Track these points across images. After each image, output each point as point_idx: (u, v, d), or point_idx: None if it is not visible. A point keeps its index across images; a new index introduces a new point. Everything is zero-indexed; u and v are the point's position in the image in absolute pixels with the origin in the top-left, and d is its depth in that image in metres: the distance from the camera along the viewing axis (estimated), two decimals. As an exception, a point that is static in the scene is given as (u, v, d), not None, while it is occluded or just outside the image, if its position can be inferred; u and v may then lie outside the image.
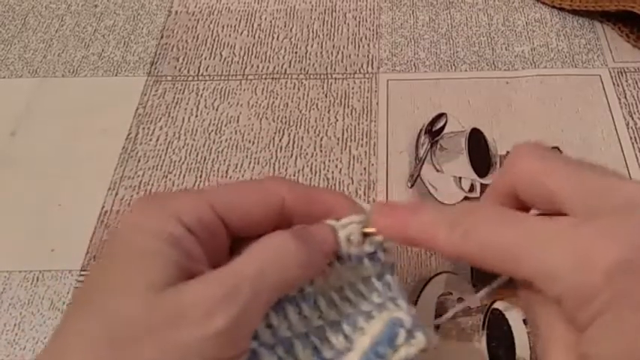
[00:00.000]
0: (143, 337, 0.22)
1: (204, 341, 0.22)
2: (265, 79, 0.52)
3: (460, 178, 0.45)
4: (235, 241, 0.28)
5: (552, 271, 0.23)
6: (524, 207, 0.27)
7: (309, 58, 0.54)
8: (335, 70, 0.53)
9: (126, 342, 0.22)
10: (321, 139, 0.48)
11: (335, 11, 0.58)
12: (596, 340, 0.22)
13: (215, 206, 0.27)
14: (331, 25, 0.56)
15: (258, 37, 0.56)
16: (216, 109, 0.50)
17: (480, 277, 0.39)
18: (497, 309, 0.38)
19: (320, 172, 0.46)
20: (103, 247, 0.43)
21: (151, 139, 0.49)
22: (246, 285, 0.23)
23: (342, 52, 0.54)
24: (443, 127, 0.48)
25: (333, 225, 0.28)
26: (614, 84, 0.50)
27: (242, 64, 0.54)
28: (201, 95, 0.52)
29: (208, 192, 0.28)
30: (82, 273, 0.42)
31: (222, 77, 0.53)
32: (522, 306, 0.26)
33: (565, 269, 0.23)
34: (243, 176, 0.46)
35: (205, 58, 0.54)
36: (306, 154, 0.47)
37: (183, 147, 0.48)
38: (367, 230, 0.28)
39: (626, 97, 0.49)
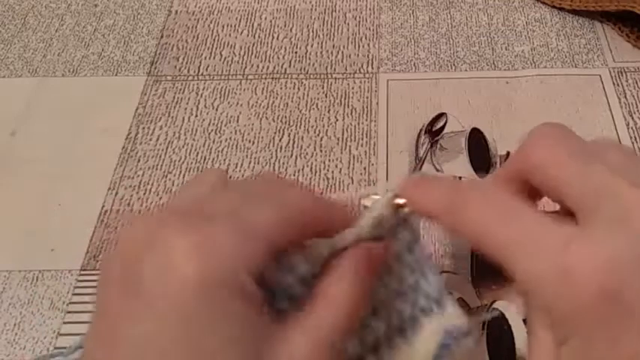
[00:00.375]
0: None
1: (182, 290, 0.21)
2: (265, 78, 0.52)
3: (460, 177, 0.45)
4: None
5: (539, 281, 0.23)
6: (534, 191, 0.27)
7: (309, 58, 0.54)
8: (335, 70, 0.53)
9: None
10: (321, 139, 0.48)
11: (335, 11, 0.58)
12: (571, 355, 0.22)
13: (270, 249, 0.24)
14: (331, 25, 0.56)
15: (258, 36, 0.56)
16: (216, 109, 0.50)
17: (480, 277, 0.39)
18: (497, 309, 0.38)
19: (320, 172, 0.46)
20: (112, 248, 0.43)
21: (150, 139, 0.49)
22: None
23: (342, 52, 0.54)
24: (443, 127, 0.48)
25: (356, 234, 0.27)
26: (614, 84, 0.50)
27: (242, 63, 0.54)
28: (201, 95, 0.52)
29: (264, 228, 0.24)
30: (82, 273, 0.42)
31: (222, 77, 0.53)
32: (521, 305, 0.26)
33: (551, 284, 0.22)
34: (243, 176, 0.46)
35: (205, 58, 0.54)
36: (306, 154, 0.47)
37: (183, 147, 0.48)
38: (398, 201, 0.27)
39: (626, 97, 0.49)
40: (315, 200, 0.27)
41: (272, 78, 0.52)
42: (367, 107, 0.50)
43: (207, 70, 0.53)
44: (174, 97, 0.51)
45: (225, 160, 0.47)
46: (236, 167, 0.47)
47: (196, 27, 0.57)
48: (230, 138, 0.48)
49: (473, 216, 0.25)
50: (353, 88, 0.51)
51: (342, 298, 0.24)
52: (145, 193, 0.45)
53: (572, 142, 0.26)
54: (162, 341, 0.21)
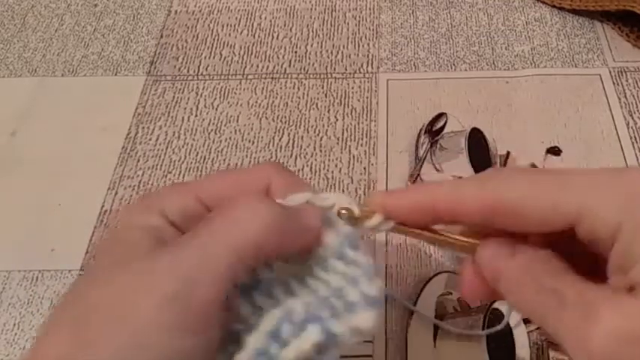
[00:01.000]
0: (100, 314, 0.22)
1: (155, 306, 0.22)
2: (265, 78, 0.52)
3: (460, 177, 0.45)
4: None
5: (608, 204, 0.22)
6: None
7: (309, 58, 0.54)
8: (335, 69, 0.53)
9: (83, 321, 0.22)
10: (321, 139, 0.48)
11: (335, 11, 0.58)
12: None
13: (200, 196, 0.27)
14: (331, 25, 0.56)
15: (258, 36, 0.56)
16: (216, 109, 0.50)
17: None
18: (497, 309, 0.38)
19: (320, 171, 0.46)
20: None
21: (150, 139, 0.49)
22: (199, 248, 0.23)
23: (342, 52, 0.54)
24: (443, 127, 0.48)
25: (308, 199, 0.26)
26: (614, 83, 0.50)
27: (242, 63, 0.54)
28: (201, 95, 0.51)
29: (193, 183, 0.28)
30: (82, 273, 0.42)
31: (222, 77, 0.53)
32: (529, 308, 0.24)
33: (621, 202, 0.22)
34: (243, 176, 0.46)
35: (205, 58, 0.54)
36: (306, 153, 0.47)
37: (183, 146, 0.48)
38: (367, 210, 0.26)
39: (626, 97, 0.49)
40: (278, 172, 0.28)
41: (272, 78, 0.52)
42: (367, 107, 0.50)
43: (207, 69, 0.53)
44: (174, 97, 0.51)
45: (225, 160, 0.47)
46: (236, 167, 0.47)
47: (196, 27, 0.57)
48: (230, 138, 0.48)
49: (507, 179, 0.25)
50: (353, 88, 0.51)
51: (224, 212, 0.24)
52: (145, 192, 0.45)
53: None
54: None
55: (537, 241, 0.26)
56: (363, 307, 0.24)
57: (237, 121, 0.50)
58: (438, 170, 0.45)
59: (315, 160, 0.47)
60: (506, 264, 0.25)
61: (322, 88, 0.51)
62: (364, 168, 0.46)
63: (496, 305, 0.38)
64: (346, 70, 0.53)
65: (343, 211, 0.26)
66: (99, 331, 0.22)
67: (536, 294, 0.24)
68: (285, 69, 0.53)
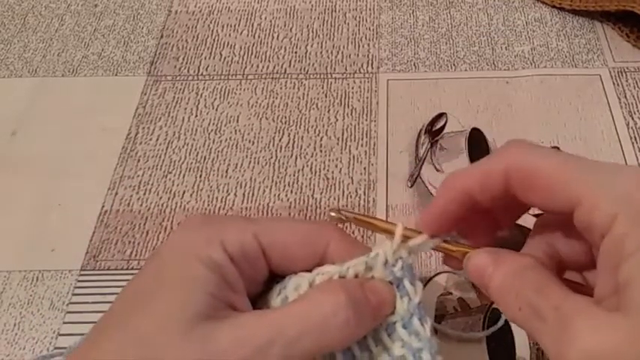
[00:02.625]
0: None
1: None
2: (265, 78, 0.52)
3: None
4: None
5: (611, 190, 0.23)
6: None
7: (309, 58, 0.54)
8: (335, 69, 0.53)
9: None
10: (321, 139, 0.48)
11: (335, 11, 0.58)
12: None
13: (260, 237, 0.27)
14: (331, 25, 0.56)
15: (258, 36, 0.56)
16: (216, 109, 0.50)
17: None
18: (497, 309, 0.38)
19: (320, 171, 0.46)
20: (111, 248, 0.43)
21: (150, 139, 0.49)
22: (280, 343, 0.23)
23: (342, 52, 0.54)
24: (443, 127, 0.48)
25: (365, 261, 0.27)
26: (614, 84, 0.50)
27: (242, 63, 0.54)
28: (201, 95, 0.52)
29: (256, 223, 0.28)
30: (82, 273, 0.42)
31: (222, 77, 0.53)
32: (512, 307, 0.25)
33: (625, 190, 0.23)
34: (242, 176, 0.46)
35: (205, 58, 0.54)
36: (306, 153, 0.47)
37: (183, 147, 0.48)
38: (409, 234, 0.27)
39: (626, 97, 0.49)
40: (340, 236, 0.28)
41: (272, 78, 0.52)
42: (367, 107, 0.50)
43: (207, 70, 0.53)
44: (174, 97, 0.51)
45: (225, 160, 0.47)
46: (236, 167, 0.47)
47: (196, 27, 0.57)
48: (230, 138, 0.48)
49: (520, 150, 0.26)
50: (353, 88, 0.51)
51: (308, 311, 0.25)
52: (145, 193, 0.45)
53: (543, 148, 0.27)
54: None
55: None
56: None
57: (238, 121, 0.50)
58: (438, 170, 0.45)
59: (315, 160, 0.47)
60: (491, 275, 0.26)
61: (322, 88, 0.51)
62: (364, 168, 0.46)
63: (496, 305, 0.38)
64: (346, 70, 0.53)
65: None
66: None
67: (519, 306, 0.24)
68: (285, 69, 0.53)
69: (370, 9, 0.57)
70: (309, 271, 0.27)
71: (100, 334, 0.24)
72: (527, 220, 0.31)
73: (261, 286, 0.28)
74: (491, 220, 0.29)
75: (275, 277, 0.28)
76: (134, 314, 0.24)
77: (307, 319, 0.24)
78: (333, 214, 0.29)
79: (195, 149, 0.48)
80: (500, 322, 0.37)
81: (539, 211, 0.27)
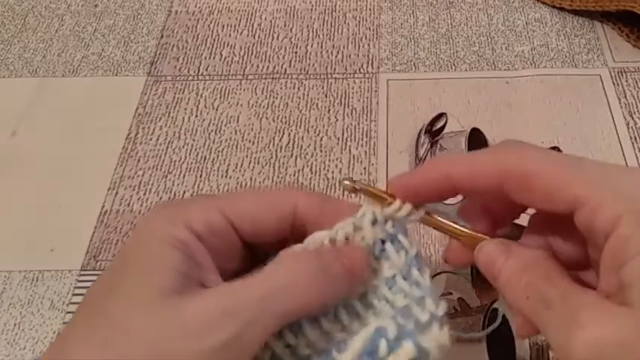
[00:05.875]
0: (138, 343, 0.22)
1: (198, 356, 0.22)
2: (265, 78, 0.52)
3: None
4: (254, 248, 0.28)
5: (614, 191, 0.23)
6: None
7: (309, 58, 0.54)
8: (335, 70, 0.53)
9: (119, 346, 0.22)
10: (321, 139, 0.48)
11: (335, 11, 0.58)
12: None
13: (225, 211, 0.27)
14: (331, 25, 0.56)
15: (258, 36, 0.56)
16: (216, 109, 0.50)
17: (480, 277, 0.39)
18: (497, 309, 0.38)
19: (320, 172, 0.46)
20: (111, 247, 0.43)
21: (150, 139, 0.49)
22: (247, 307, 0.23)
23: (342, 52, 0.54)
24: (443, 127, 0.48)
25: (353, 222, 0.27)
26: (614, 84, 0.50)
27: (242, 63, 0.54)
28: (201, 95, 0.52)
29: (219, 198, 0.28)
30: (82, 273, 0.42)
31: (222, 77, 0.53)
32: (520, 295, 0.25)
33: (628, 190, 0.23)
34: (243, 176, 0.46)
35: (205, 58, 0.54)
36: (306, 154, 0.47)
37: (183, 147, 0.48)
38: (387, 199, 0.27)
39: (626, 97, 0.49)
40: (306, 195, 0.28)
41: (272, 78, 0.52)
42: (367, 107, 0.50)
43: (207, 70, 0.53)
44: (174, 97, 0.51)
45: (225, 160, 0.47)
46: (236, 167, 0.47)
47: (196, 27, 0.57)
48: (230, 138, 0.48)
49: (523, 152, 0.25)
50: (353, 88, 0.51)
51: (275, 273, 0.24)
52: (145, 193, 0.45)
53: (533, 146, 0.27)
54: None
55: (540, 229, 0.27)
56: (436, 326, 0.25)
57: (238, 121, 0.50)
58: (438, 170, 0.45)
59: (316, 160, 0.47)
60: (502, 265, 0.26)
61: (322, 88, 0.51)
62: (364, 168, 0.46)
63: (496, 305, 0.38)
64: (346, 70, 0.53)
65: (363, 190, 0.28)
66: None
67: (527, 295, 0.24)
68: (286, 69, 0.53)
69: (370, 9, 0.57)
70: (301, 242, 0.27)
71: (69, 325, 0.25)
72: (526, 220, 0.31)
73: (237, 261, 0.28)
74: (489, 220, 0.29)
75: (254, 250, 0.28)
76: (101, 299, 0.24)
77: (275, 281, 0.24)
78: (347, 182, 0.28)
79: (196, 149, 0.48)
80: (499, 321, 0.37)
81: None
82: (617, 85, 0.50)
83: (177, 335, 0.22)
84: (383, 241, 0.28)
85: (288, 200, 0.28)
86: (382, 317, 0.26)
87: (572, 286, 0.24)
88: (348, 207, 0.28)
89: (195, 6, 0.59)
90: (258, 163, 0.47)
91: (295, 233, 0.27)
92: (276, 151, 0.47)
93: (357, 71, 0.52)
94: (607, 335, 0.21)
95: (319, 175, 0.46)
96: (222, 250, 0.26)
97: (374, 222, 0.27)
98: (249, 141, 0.48)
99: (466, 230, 0.28)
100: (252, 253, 0.28)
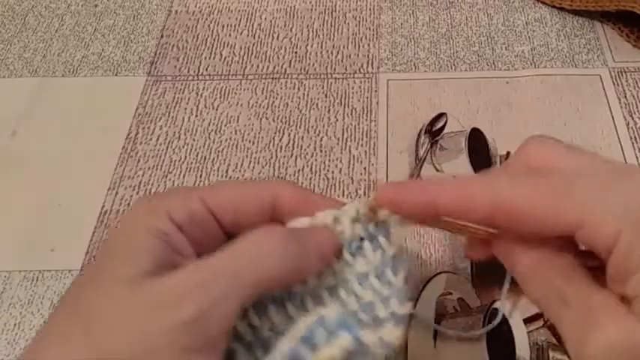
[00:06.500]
0: (114, 325, 0.22)
1: (173, 329, 0.22)
2: (265, 78, 0.52)
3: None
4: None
5: (609, 208, 0.23)
6: None
7: (309, 58, 0.54)
8: (335, 70, 0.53)
9: (98, 330, 0.22)
10: (321, 139, 0.48)
11: (335, 11, 0.58)
12: None
13: (206, 201, 0.27)
14: (331, 25, 0.56)
15: (258, 36, 0.56)
16: (216, 109, 0.50)
17: (480, 277, 0.40)
18: (497, 309, 0.38)
19: (320, 172, 0.46)
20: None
21: (151, 139, 0.49)
22: (220, 278, 0.23)
23: (342, 52, 0.54)
24: (443, 127, 0.48)
25: (334, 214, 0.28)
26: (614, 84, 0.50)
27: (242, 63, 0.54)
28: (201, 95, 0.52)
29: (200, 188, 0.28)
30: (82, 273, 0.42)
31: (222, 77, 0.53)
32: (536, 289, 0.26)
33: (623, 204, 0.23)
34: (243, 176, 0.46)
35: (205, 58, 0.54)
36: (306, 154, 0.47)
37: (183, 147, 0.48)
38: (375, 205, 0.28)
39: (626, 97, 0.49)
40: (288, 187, 0.28)
41: (272, 78, 0.52)
42: (367, 107, 0.50)
43: (207, 70, 0.53)
44: (174, 97, 0.51)
45: (225, 160, 0.47)
46: (236, 167, 0.47)
47: (196, 27, 0.57)
48: (230, 138, 0.48)
49: (515, 180, 0.25)
50: (353, 88, 0.51)
51: (244, 246, 0.25)
52: (145, 193, 0.45)
53: (564, 143, 0.27)
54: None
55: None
56: (389, 323, 0.26)
57: (238, 121, 0.50)
58: (438, 170, 0.45)
59: (316, 160, 0.47)
60: (520, 258, 0.26)
61: (322, 88, 0.51)
62: (364, 168, 0.46)
63: (496, 305, 0.38)
64: (346, 70, 0.53)
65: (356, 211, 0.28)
66: (116, 345, 0.22)
67: (544, 289, 0.25)
68: (286, 69, 0.53)
69: (370, 9, 0.57)
70: None
71: (50, 316, 0.25)
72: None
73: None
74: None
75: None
76: (81, 289, 0.25)
77: (244, 253, 0.24)
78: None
79: (196, 149, 0.48)
80: (498, 319, 0.37)
81: None
82: (617, 85, 0.50)
83: (151, 311, 0.23)
84: (362, 239, 0.28)
85: (269, 191, 0.28)
86: (333, 308, 0.26)
87: (589, 285, 0.24)
88: (329, 203, 0.29)
89: (195, 6, 0.59)
90: (258, 163, 0.47)
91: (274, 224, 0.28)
92: (276, 151, 0.47)
93: (357, 71, 0.52)
94: (622, 341, 0.22)
95: (319, 175, 0.46)
96: (203, 240, 0.27)
97: (355, 219, 0.28)
98: (249, 141, 0.48)
99: (475, 226, 0.28)
100: None
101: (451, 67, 0.52)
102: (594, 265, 0.26)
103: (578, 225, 0.23)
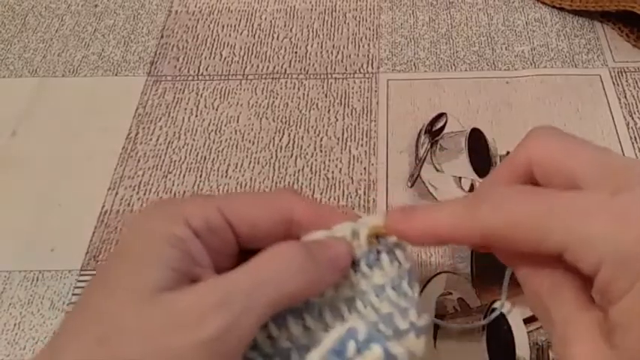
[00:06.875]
0: (132, 338, 0.22)
1: (193, 348, 0.22)
2: (265, 79, 0.52)
3: (460, 177, 0.45)
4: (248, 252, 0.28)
5: (590, 238, 0.23)
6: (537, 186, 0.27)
7: (309, 58, 0.54)
8: (335, 70, 0.53)
9: (114, 342, 0.22)
10: (321, 139, 0.48)
11: (335, 11, 0.58)
12: (631, 307, 0.22)
13: (224, 211, 0.27)
14: (331, 25, 0.56)
15: (258, 37, 0.56)
16: (216, 109, 0.50)
17: (480, 277, 0.40)
18: (496, 309, 0.38)
19: (320, 172, 0.46)
20: (111, 247, 0.43)
21: (151, 139, 0.49)
22: (240, 296, 0.23)
23: (342, 52, 0.54)
24: (443, 127, 0.48)
25: (352, 227, 0.28)
26: (614, 84, 0.50)
27: (242, 64, 0.54)
28: (201, 95, 0.52)
29: (218, 198, 0.28)
30: (82, 273, 0.42)
31: (222, 77, 0.53)
32: (529, 300, 0.26)
33: (604, 235, 0.22)
34: (243, 176, 0.46)
35: (205, 58, 0.54)
36: (306, 154, 0.47)
37: (183, 147, 0.48)
38: (383, 232, 0.28)
39: (626, 97, 0.49)
40: (303, 201, 0.29)
41: (272, 78, 0.52)
42: (367, 107, 0.50)
43: (207, 70, 0.53)
44: (174, 97, 0.51)
45: (225, 160, 0.47)
46: (236, 167, 0.47)
47: (196, 27, 0.57)
48: (230, 138, 0.48)
49: (500, 204, 0.25)
50: (353, 88, 0.51)
51: (263, 262, 0.25)
52: (145, 193, 0.45)
53: (572, 136, 0.27)
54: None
55: None
56: (411, 334, 0.27)
57: (238, 121, 0.50)
58: (438, 170, 0.45)
59: (315, 160, 0.47)
60: (517, 267, 0.27)
61: (322, 88, 0.51)
62: (364, 168, 0.46)
63: (496, 305, 0.38)
64: (346, 70, 0.53)
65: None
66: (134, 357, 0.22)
67: (534, 304, 0.26)
68: (286, 69, 0.53)
69: (370, 9, 0.57)
70: None
71: (64, 322, 0.25)
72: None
73: (233, 260, 0.28)
74: None
75: (245, 253, 0.28)
76: (95, 294, 0.24)
77: (263, 271, 0.24)
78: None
79: (195, 149, 0.48)
80: (497, 312, 0.37)
81: None
82: (617, 85, 0.50)
83: (172, 328, 0.22)
84: (379, 251, 0.28)
85: (285, 205, 0.28)
86: (360, 320, 0.27)
87: (575, 306, 0.24)
88: (341, 216, 0.29)
89: (195, 6, 0.59)
90: (258, 163, 0.47)
91: (288, 238, 0.28)
92: (276, 151, 0.47)
93: (357, 71, 0.52)
94: None
95: (319, 175, 0.46)
96: (219, 249, 0.27)
97: (373, 233, 0.28)
98: (249, 141, 0.48)
99: None
100: (244, 257, 0.28)
101: (451, 67, 0.52)
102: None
103: (563, 249, 0.24)
